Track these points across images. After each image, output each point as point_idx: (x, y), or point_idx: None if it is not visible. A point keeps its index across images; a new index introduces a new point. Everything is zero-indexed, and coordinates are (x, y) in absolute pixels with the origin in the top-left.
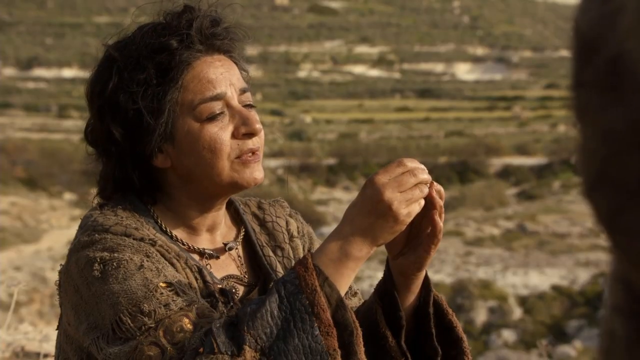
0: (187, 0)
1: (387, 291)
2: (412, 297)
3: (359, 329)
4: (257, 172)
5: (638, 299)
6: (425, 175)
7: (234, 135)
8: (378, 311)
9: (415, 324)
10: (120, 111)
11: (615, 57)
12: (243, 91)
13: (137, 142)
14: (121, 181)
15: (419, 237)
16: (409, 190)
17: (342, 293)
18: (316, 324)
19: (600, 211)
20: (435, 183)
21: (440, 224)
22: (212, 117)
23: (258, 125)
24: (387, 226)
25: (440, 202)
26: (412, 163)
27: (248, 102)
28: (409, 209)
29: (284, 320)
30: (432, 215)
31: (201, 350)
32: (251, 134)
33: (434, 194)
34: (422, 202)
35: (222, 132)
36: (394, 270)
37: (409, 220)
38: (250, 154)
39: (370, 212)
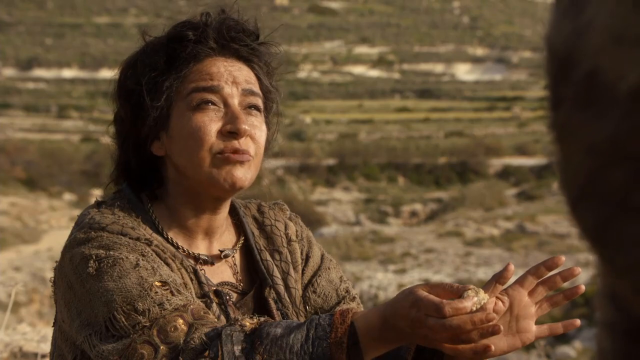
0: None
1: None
2: None
3: None
4: (238, 172)
5: (624, 313)
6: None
7: (221, 132)
8: None
9: None
10: (128, 90)
11: (591, 72)
12: (249, 92)
13: (138, 124)
14: (123, 166)
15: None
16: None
17: None
18: None
19: (585, 225)
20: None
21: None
22: (202, 107)
23: (244, 126)
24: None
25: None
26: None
27: (252, 104)
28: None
29: None
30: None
31: (206, 354)
32: (235, 133)
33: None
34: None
35: (209, 124)
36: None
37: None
38: (233, 153)
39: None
